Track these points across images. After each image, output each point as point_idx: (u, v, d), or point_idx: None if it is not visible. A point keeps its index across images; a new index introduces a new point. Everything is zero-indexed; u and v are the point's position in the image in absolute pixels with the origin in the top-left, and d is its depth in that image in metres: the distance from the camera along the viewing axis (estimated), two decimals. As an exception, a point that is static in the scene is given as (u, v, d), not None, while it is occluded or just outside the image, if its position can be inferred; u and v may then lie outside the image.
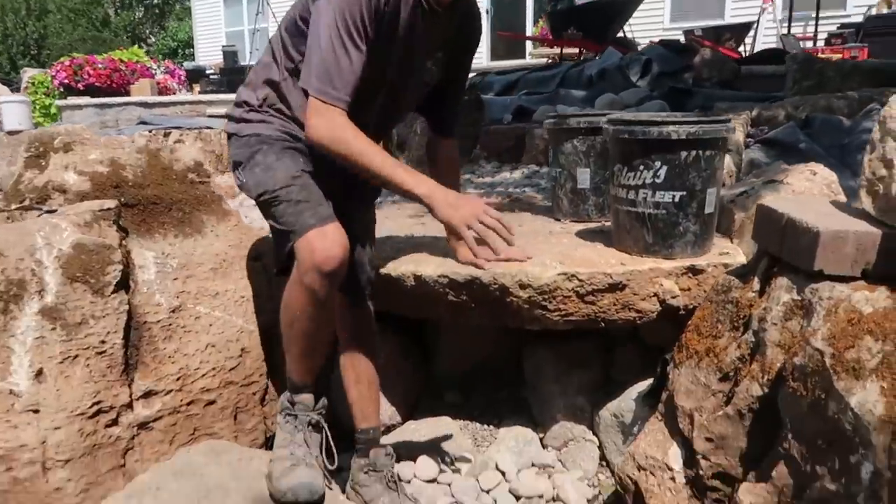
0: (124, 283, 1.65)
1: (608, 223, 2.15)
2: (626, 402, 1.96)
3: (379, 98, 1.64)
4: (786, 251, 1.32)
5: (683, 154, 1.64)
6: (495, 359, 2.42)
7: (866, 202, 1.24)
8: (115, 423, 1.61)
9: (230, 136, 1.67)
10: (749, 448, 1.45)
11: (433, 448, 2.05)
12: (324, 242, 1.42)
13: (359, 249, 1.69)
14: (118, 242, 1.64)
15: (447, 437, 2.13)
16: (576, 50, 7.73)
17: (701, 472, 1.53)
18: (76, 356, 1.55)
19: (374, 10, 1.44)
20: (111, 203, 1.68)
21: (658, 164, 1.66)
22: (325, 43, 1.42)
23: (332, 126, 1.45)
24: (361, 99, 1.51)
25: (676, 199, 1.69)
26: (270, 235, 2.12)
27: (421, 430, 2.15)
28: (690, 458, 1.57)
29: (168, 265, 1.75)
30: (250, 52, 11.96)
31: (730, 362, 1.47)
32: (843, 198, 1.83)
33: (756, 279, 1.44)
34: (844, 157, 2.54)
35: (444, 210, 1.53)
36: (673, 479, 1.59)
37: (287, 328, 1.52)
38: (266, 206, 1.55)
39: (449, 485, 1.94)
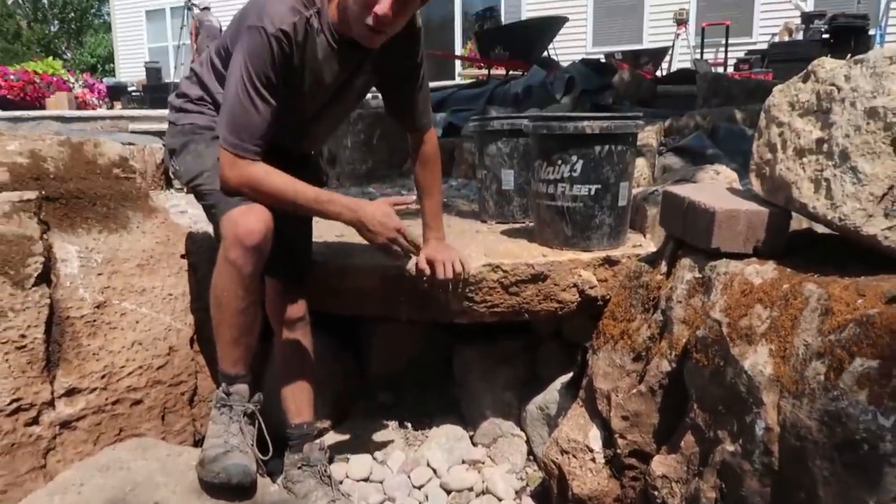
0: (46, 277, 1.62)
1: (532, 223, 2.25)
2: (550, 395, 2.03)
3: (304, 121, 1.70)
4: (688, 232, 1.43)
5: (598, 148, 1.76)
6: (426, 359, 2.47)
7: (755, 185, 1.37)
8: (35, 421, 1.57)
9: (169, 123, 1.73)
10: (660, 424, 1.55)
11: (365, 449, 2.08)
12: (247, 217, 1.46)
13: (293, 232, 1.72)
14: (39, 234, 1.61)
15: (379, 438, 2.15)
16: (503, 71, 7.96)
17: (619, 451, 1.61)
18: (-6, 351, 1.51)
19: (278, 60, 1.48)
20: (31, 194, 1.65)
21: (574, 158, 1.77)
22: (233, 98, 1.49)
23: (243, 175, 1.51)
24: (284, 124, 1.57)
25: (592, 192, 1.80)
26: (197, 232, 2.12)
27: (353, 431, 2.17)
28: (609, 438, 1.65)
29: (92, 260, 1.73)
30: (175, 68, 11.60)
31: (642, 342, 1.57)
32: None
33: (664, 262, 1.55)
34: (747, 162, 2.72)
35: (365, 234, 1.61)
36: (593, 459, 1.67)
37: (216, 311, 1.52)
38: (197, 191, 1.59)
39: (381, 482, 1.96)
